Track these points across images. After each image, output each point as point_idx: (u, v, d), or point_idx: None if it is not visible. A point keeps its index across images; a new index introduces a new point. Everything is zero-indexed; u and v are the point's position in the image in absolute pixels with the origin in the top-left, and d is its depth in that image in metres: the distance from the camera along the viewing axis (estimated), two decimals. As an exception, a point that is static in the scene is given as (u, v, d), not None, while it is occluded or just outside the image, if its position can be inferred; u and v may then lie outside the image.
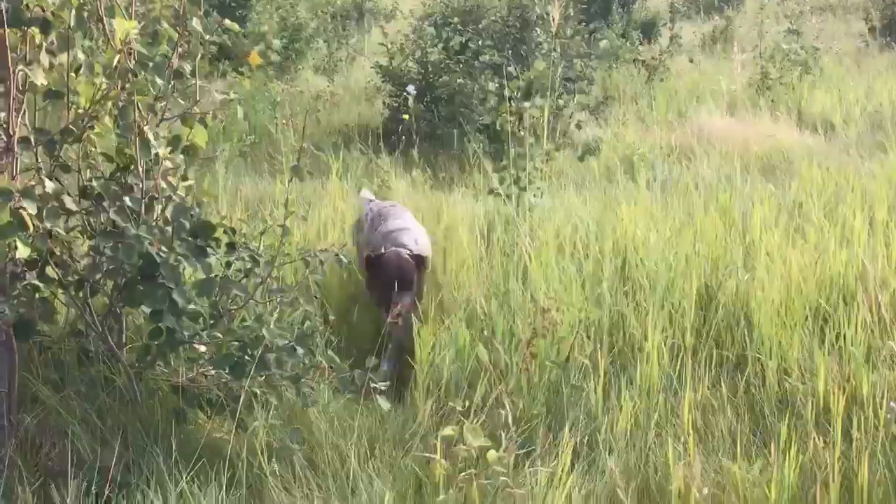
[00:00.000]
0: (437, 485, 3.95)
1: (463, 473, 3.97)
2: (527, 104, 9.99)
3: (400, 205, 6.68)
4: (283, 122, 10.04)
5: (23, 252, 4.01)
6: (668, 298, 5.39)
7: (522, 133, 9.39)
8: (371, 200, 6.72)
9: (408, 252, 5.71)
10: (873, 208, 6.82)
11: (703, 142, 10.06)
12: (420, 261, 5.71)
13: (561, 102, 10.54)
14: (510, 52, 10.82)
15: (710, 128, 10.80)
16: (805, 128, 11.43)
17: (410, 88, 9.93)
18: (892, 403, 4.31)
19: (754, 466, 4.06)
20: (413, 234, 5.94)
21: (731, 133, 10.45)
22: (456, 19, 11.61)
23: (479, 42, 10.57)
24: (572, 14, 12.31)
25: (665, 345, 4.94)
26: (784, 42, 14.46)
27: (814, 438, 4.12)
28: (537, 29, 11.76)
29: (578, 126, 10.10)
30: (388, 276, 5.47)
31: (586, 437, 4.44)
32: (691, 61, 15.35)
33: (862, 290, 5.33)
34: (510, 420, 4.44)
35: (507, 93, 9.79)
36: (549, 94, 10.66)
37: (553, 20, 11.20)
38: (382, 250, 5.63)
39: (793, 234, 6.32)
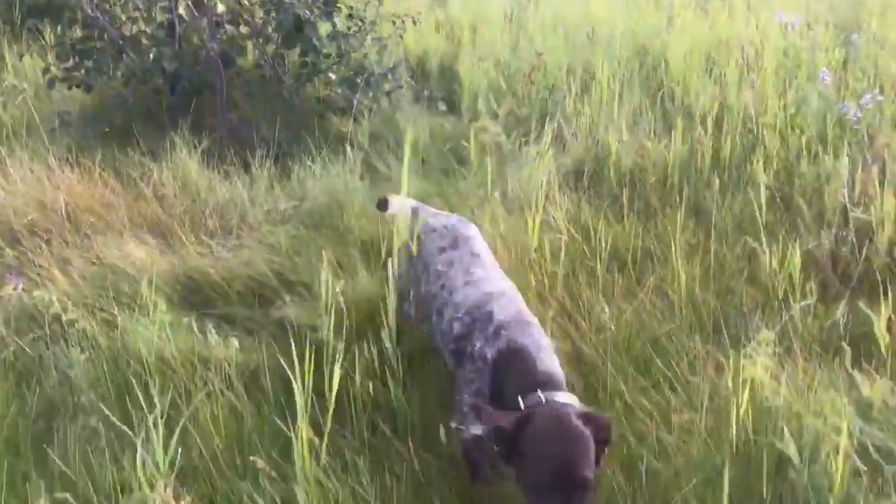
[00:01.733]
0: (471, 161, 3.91)
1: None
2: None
3: (466, 222, 2.58)
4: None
5: (220, 7, 3.93)
6: (618, 52, 5.15)
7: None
8: (418, 210, 2.64)
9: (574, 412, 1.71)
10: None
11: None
12: (601, 428, 1.68)
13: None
14: None
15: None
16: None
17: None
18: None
19: (661, 144, 3.99)
20: (536, 335, 1.99)
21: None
22: None
23: None
24: None
25: (613, 77, 4.75)
26: None
27: (698, 129, 4.02)
28: None
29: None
30: (545, 473, 1.61)
31: (563, 131, 4.34)
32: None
33: (738, 46, 5.06)
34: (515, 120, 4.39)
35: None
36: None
37: None
38: (520, 402, 1.75)
39: (699, 12, 5.97)
